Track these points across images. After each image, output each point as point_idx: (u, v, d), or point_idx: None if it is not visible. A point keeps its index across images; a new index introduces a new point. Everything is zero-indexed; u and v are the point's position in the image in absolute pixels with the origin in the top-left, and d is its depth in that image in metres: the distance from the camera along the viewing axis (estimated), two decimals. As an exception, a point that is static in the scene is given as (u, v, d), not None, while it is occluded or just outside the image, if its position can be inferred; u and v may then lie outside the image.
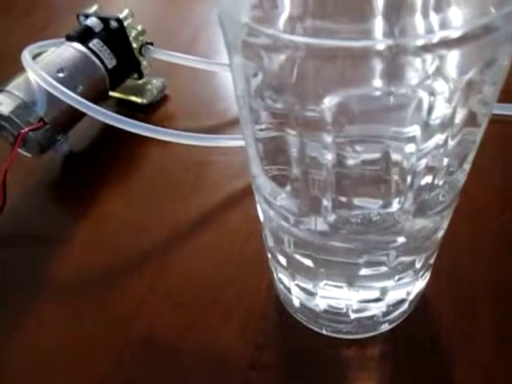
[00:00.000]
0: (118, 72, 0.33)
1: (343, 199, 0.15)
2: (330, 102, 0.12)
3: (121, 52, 0.33)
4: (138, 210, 0.30)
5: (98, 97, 0.32)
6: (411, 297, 0.21)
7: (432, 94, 0.11)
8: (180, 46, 0.37)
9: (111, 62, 0.32)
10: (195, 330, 0.24)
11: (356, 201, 0.15)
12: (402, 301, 0.21)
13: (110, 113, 0.29)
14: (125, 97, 0.35)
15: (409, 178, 0.15)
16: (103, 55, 0.32)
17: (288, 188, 0.16)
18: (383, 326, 0.22)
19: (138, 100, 0.35)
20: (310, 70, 0.11)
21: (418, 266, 0.19)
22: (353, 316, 0.21)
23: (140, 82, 0.36)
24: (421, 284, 0.21)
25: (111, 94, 0.35)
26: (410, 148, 0.14)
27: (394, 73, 0.11)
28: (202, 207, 0.30)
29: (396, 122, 0.14)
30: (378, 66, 0.10)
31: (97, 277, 0.27)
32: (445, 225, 0.18)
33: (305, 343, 0.23)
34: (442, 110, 0.13)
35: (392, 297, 0.20)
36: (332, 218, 0.15)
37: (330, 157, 0.14)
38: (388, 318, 0.22)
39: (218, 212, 0.29)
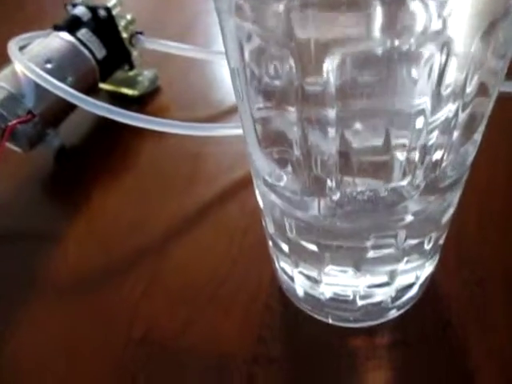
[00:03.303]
0: (108, 63, 0.32)
1: (348, 178, 0.14)
2: (330, 63, 0.11)
3: (110, 42, 0.32)
4: (133, 205, 0.29)
5: (88, 88, 0.31)
6: (420, 281, 0.20)
7: (443, 47, 0.11)
8: (172, 36, 0.36)
9: (101, 53, 0.31)
10: (196, 327, 0.23)
11: (362, 179, 0.14)
12: (411, 285, 0.20)
13: (101, 103, 0.28)
14: (116, 89, 0.34)
15: (418, 153, 0.14)
16: (92, 45, 0.31)
17: (289, 169, 0.15)
18: (392, 312, 0.21)
19: (130, 92, 0.34)
20: (306, 24, 0.10)
21: (427, 247, 0.18)
22: (360, 303, 0.20)
23: (131, 73, 0.35)
24: (430, 267, 0.21)
25: (102, 86, 0.34)
26: (420, 121, 0.13)
27: (396, 22, 0.10)
28: (198, 200, 0.29)
29: (404, 94, 0.13)
30: (379, 15, 0.10)
31: (92, 275, 0.26)
32: (454, 203, 0.17)
33: (310, 334, 0.22)
34: (453, 75, 0.12)
35: (401, 281, 0.19)
36: (337, 196, 0.14)
37: (333, 133, 0.14)
38: (397, 303, 0.21)
39: (215, 205, 0.28)
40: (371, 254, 0.17)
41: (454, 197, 0.17)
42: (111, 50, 0.32)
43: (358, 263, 0.17)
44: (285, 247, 0.19)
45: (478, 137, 0.15)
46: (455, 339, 0.21)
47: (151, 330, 0.23)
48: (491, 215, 0.25)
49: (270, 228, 0.19)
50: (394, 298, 0.20)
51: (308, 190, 0.15)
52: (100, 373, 0.22)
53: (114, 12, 0.31)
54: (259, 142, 0.16)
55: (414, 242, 0.17)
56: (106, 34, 0.32)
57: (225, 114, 0.34)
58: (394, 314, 0.21)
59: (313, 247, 0.17)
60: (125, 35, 0.33)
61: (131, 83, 0.35)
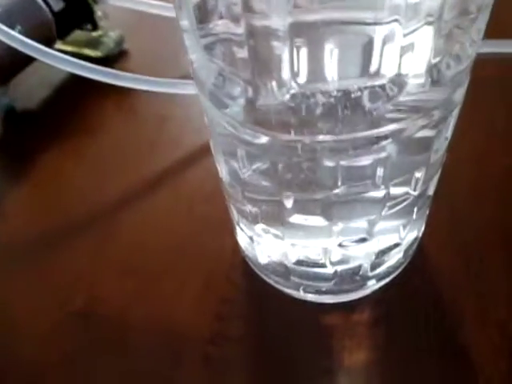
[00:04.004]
0: (66, 17, 0.29)
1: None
2: None
3: (69, -7, 0.29)
4: (87, 170, 0.26)
5: (42, 43, 0.28)
6: (405, 244, 0.17)
7: None
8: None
9: (57, 4, 0.28)
10: (146, 301, 0.20)
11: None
12: (394, 247, 0.17)
13: (54, 53, 0.25)
14: (77, 50, 0.31)
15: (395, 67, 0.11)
16: (47, -6, 0.27)
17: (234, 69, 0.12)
18: (371, 283, 0.18)
19: (92, 53, 0.31)
20: None
21: (413, 192, 0.15)
22: (333, 269, 0.17)
23: (95, 34, 0.32)
24: (417, 226, 0.17)
25: (62, 47, 0.31)
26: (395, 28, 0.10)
27: None
28: (159, 165, 0.25)
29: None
30: None
31: (31, 243, 0.23)
32: (445, 134, 0.14)
33: (277, 310, 0.19)
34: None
35: (381, 240, 0.16)
36: (290, 93, 0.11)
37: (286, 54, 0.11)
38: (377, 271, 0.17)
39: (177, 170, 0.25)
40: (342, 193, 0.13)
41: (445, 125, 0.14)
42: (70, 3, 0.29)
43: (328, 209, 0.14)
44: (240, 197, 0.16)
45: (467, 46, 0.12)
46: (447, 316, 0.17)
47: (93, 301, 0.20)
48: (485, 179, 0.21)
49: (224, 173, 0.16)
50: (374, 264, 0.17)
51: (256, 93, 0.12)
52: (31, 348, 0.19)
53: (74, -40, 0.28)
54: (208, 74, 0.13)
55: (396, 182, 0.14)
56: (64, -17, 0.28)
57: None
58: (374, 285, 0.18)
59: (270, 186, 0.14)
60: (86, -12, 0.29)
61: (95, 44, 0.31)
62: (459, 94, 0.14)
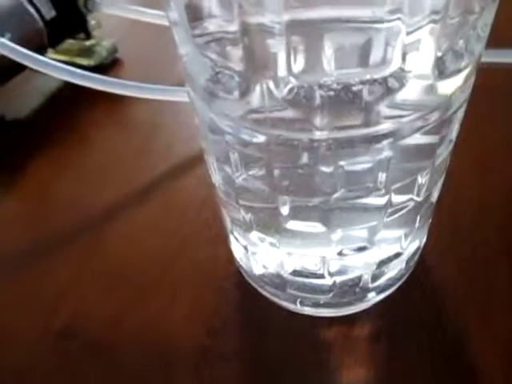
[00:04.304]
0: (58, 26, 0.28)
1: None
2: None
3: (61, 2, 0.28)
4: (77, 179, 0.25)
5: (33, 51, 0.27)
6: (407, 254, 0.16)
7: None
8: (135, 1, 0.33)
9: (49, 13, 0.28)
10: (132, 318, 0.19)
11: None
12: (396, 257, 0.16)
13: (44, 59, 0.24)
14: (69, 59, 0.31)
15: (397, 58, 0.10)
16: (39, 2, 0.27)
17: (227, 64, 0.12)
18: (371, 296, 0.17)
19: (84, 62, 0.30)
20: None
21: (416, 198, 0.14)
22: (331, 280, 0.16)
23: (88, 43, 0.31)
24: (419, 236, 0.16)
25: (54, 56, 0.30)
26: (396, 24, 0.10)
27: None
28: (149, 174, 0.24)
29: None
30: None
31: (17, 253, 0.22)
32: (448, 138, 0.14)
33: (272, 324, 0.18)
34: None
35: (382, 250, 0.15)
36: (288, 88, 0.10)
37: (283, 51, 0.10)
38: (378, 283, 0.17)
39: (168, 179, 0.24)
40: (342, 198, 0.13)
41: (451, 129, 0.13)
42: (62, 12, 0.28)
43: (327, 215, 0.13)
44: (234, 203, 0.15)
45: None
46: (451, 329, 0.17)
47: (77, 319, 0.19)
48: (491, 189, 0.21)
49: (218, 179, 0.15)
50: (375, 276, 0.16)
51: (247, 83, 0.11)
52: (13, 366, 0.18)
53: (66, -32, 0.28)
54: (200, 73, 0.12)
55: (398, 186, 0.13)
56: (55, -9, 0.28)
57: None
58: (374, 298, 0.17)
59: (265, 190, 0.13)
60: (78, -4, 0.29)
61: (87, 53, 0.31)
62: (460, 96, 0.13)
